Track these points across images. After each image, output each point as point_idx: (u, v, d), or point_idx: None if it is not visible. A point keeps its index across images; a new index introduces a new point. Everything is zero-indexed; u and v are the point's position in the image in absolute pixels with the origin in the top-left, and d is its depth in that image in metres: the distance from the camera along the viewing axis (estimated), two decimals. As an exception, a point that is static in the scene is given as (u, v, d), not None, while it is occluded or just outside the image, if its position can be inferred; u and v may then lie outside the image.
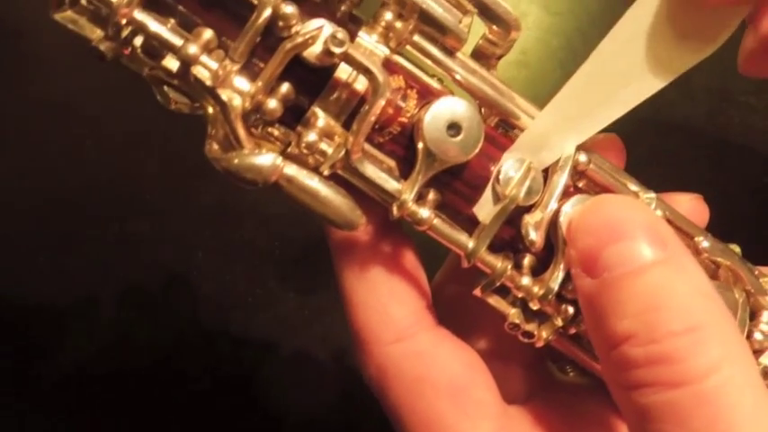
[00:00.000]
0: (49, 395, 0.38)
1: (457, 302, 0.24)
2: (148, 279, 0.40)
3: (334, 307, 0.38)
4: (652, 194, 0.23)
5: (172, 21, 0.19)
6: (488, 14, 0.21)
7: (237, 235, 0.42)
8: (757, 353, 0.22)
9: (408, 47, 0.21)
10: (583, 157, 0.22)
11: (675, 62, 0.21)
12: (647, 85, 0.21)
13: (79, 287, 0.40)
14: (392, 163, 0.20)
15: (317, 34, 0.19)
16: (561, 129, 0.21)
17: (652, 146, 0.41)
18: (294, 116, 0.20)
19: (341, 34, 0.18)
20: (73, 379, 0.38)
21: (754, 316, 0.23)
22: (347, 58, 0.18)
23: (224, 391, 0.39)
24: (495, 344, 0.25)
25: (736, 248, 0.24)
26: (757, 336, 0.22)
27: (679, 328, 0.18)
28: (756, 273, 0.24)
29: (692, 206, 0.25)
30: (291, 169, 0.19)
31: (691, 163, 0.41)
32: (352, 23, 0.21)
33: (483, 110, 0.22)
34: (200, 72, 0.18)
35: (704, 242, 0.22)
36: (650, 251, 0.18)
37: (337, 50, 0.18)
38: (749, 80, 0.42)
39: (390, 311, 0.22)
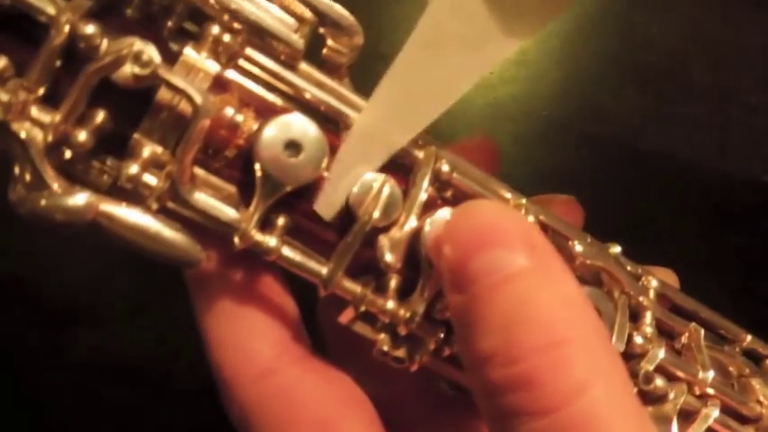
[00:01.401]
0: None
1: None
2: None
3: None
4: (523, 200, 0.22)
5: (-42, 49, 0.17)
6: (327, 22, 0.19)
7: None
8: (638, 357, 0.21)
9: (243, 62, 0.19)
10: (445, 166, 0.20)
11: (518, 27, 0.19)
12: (489, 54, 0.19)
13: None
14: (232, 189, 0.19)
15: (127, 54, 0.17)
16: (392, 120, 0.19)
17: (651, 146, 0.41)
18: (120, 146, 0.18)
19: (146, 55, 0.16)
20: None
21: (637, 318, 0.22)
22: (159, 80, 0.17)
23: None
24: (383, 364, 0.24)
25: (616, 248, 0.23)
26: (638, 339, 0.21)
27: (540, 343, 0.16)
28: (640, 271, 0.24)
29: (565, 208, 0.24)
30: (111, 207, 0.17)
31: (691, 162, 0.41)
32: (181, 39, 0.19)
33: (341, 124, 0.21)
34: (-13, 105, 0.16)
35: (578, 246, 0.21)
36: (517, 258, 0.17)
37: (143, 72, 0.16)
38: (749, 80, 0.42)
39: (251, 347, 0.20)
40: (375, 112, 0.19)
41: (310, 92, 0.19)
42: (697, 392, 0.22)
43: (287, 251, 0.19)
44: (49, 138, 0.16)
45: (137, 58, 0.16)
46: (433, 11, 0.18)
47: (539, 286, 0.17)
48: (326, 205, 0.19)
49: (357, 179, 0.19)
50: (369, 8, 0.43)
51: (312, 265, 0.19)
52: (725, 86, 0.42)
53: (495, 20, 0.18)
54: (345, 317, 0.20)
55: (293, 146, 0.18)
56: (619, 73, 0.42)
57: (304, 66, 0.20)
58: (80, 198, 0.17)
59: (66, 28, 0.16)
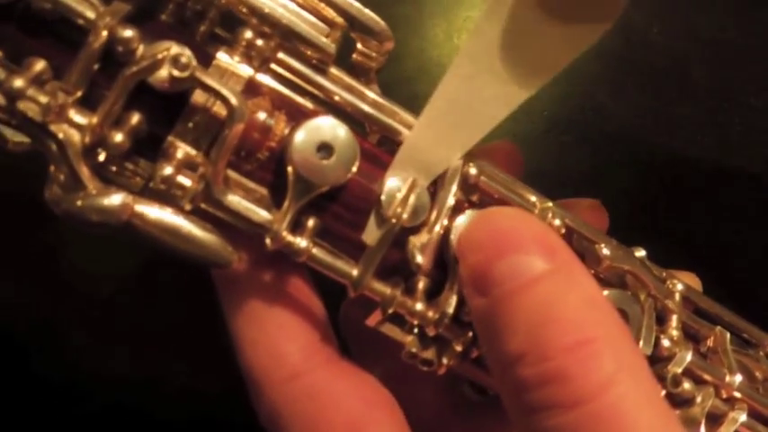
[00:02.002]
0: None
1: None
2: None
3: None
4: (549, 203, 0.22)
5: (-1, 52, 0.17)
6: (358, 26, 0.20)
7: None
8: (665, 360, 0.21)
9: (275, 65, 0.19)
10: (473, 170, 0.21)
11: (562, 48, 0.19)
12: (531, 79, 0.19)
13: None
14: (264, 191, 0.19)
15: (163, 58, 0.17)
16: (442, 138, 0.20)
17: (651, 146, 0.41)
18: (154, 147, 0.18)
19: (185, 57, 0.16)
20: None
21: (663, 321, 0.22)
22: (196, 82, 0.17)
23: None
24: (407, 366, 0.24)
25: (641, 252, 0.23)
26: (665, 342, 0.21)
27: (570, 342, 0.17)
28: (665, 275, 0.24)
29: (590, 212, 0.24)
30: (145, 207, 0.17)
31: (691, 163, 0.41)
32: (213, 44, 0.19)
33: (367, 127, 0.21)
34: (27, 107, 0.16)
35: (605, 249, 0.21)
36: (539, 263, 0.17)
37: (181, 75, 0.16)
38: (749, 80, 0.42)
39: (281, 349, 0.20)
40: (425, 129, 0.20)
41: (340, 95, 0.20)
42: (724, 396, 0.22)
43: (317, 252, 0.19)
44: (87, 139, 0.17)
45: (175, 61, 0.16)
46: (472, 40, 0.19)
47: (562, 288, 0.17)
48: (372, 234, 0.19)
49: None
50: (369, 8, 0.43)
51: (342, 266, 0.19)
52: (725, 86, 0.42)
53: (528, 57, 0.19)
54: (373, 319, 0.20)
55: (325, 148, 0.18)
56: (619, 73, 0.42)
57: (334, 70, 0.20)
58: (115, 198, 0.17)
59: (105, 32, 0.16)
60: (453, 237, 0.20)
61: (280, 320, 0.20)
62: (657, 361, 0.21)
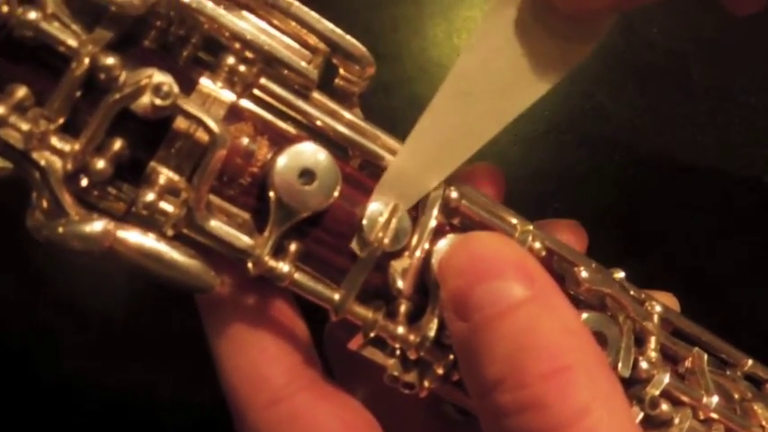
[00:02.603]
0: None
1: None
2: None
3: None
4: (529, 226, 0.22)
5: (-21, 79, 0.17)
6: (340, 52, 0.20)
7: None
8: (644, 382, 0.21)
9: (257, 91, 0.19)
10: (454, 193, 0.21)
11: (554, 63, 0.20)
12: (517, 100, 0.20)
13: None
14: (246, 216, 0.19)
15: (146, 85, 0.17)
16: (424, 163, 0.20)
17: (651, 146, 0.41)
18: (137, 172, 0.18)
19: (166, 86, 0.17)
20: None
21: (641, 342, 0.23)
22: (178, 110, 0.17)
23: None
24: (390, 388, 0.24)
25: (620, 273, 0.23)
26: (643, 365, 0.21)
27: (546, 369, 0.17)
28: (643, 296, 0.24)
29: (570, 232, 0.24)
30: (127, 233, 0.17)
31: (691, 163, 0.41)
32: (196, 68, 0.19)
33: (350, 151, 0.21)
34: (8, 134, 0.16)
35: (584, 272, 0.21)
36: (518, 289, 0.18)
37: (163, 103, 0.17)
38: (749, 80, 0.42)
39: (263, 373, 0.20)
40: (408, 155, 0.20)
41: (322, 120, 0.20)
42: (701, 417, 0.22)
43: (299, 277, 0.19)
44: (69, 166, 0.17)
45: (157, 89, 0.17)
46: (463, 61, 0.20)
47: (540, 315, 0.18)
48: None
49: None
50: (369, 8, 0.40)
51: (324, 290, 0.19)
52: (725, 86, 0.42)
53: (521, 69, 0.19)
54: (355, 343, 0.20)
55: (307, 174, 0.18)
56: (619, 73, 0.42)
57: (316, 95, 0.20)
58: (97, 225, 0.17)
59: (87, 60, 0.17)
60: (434, 261, 0.20)
61: (262, 344, 0.20)
62: (636, 383, 0.21)
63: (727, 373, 0.25)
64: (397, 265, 0.19)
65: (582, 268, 0.22)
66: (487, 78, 0.20)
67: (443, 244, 0.20)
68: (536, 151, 0.41)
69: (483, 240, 0.19)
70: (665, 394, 0.22)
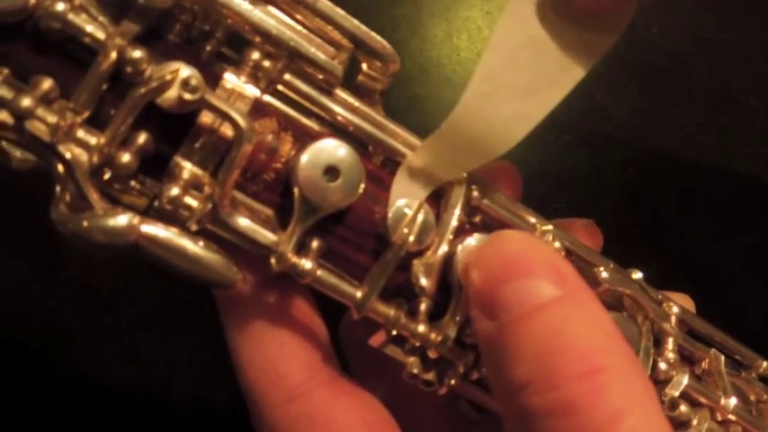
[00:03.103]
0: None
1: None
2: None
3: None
4: (549, 226, 0.22)
5: (6, 71, 0.17)
6: (365, 49, 0.20)
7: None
8: (663, 383, 0.21)
9: (282, 87, 0.19)
10: (476, 192, 0.21)
11: (579, 57, 0.19)
12: (544, 99, 0.19)
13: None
14: (269, 212, 0.19)
15: (172, 79, 0.17)
16: (438, 165, 0.20)
17: (651, 147, 0.41)
18: (160, 166, 0.18)
19: (194, 80, 0.17)
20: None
21: (660, 343, 0.23)
22: (205, 104, 0.17)
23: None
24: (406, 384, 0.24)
25: (638, 274, 0.23)
26: (662, 366, 0.21)
27: (578, 371, 0.16)
28: (661, 297, 0.24)
29: (586, 233, 0.24)
30: (151, 228, 0.17)
31: (691, 163, 0.41)
32: (220, 63, 0.19)
33: (370, 148, 0.21)
34: (35, 127, 0.16)
35: (604, 273, 0.21)
36: (548, 289, 0.17)
37: (191, 97, 0.16)
38: (749, 80, 0.42)
39: (280, 369, 0.20)
40: (428, 152, 0.20)
41: (345, 117, 0.20)
42: (719, 418, 0.22)
43: (322, 274, 0.19)
44: (95, 159, 0.17)
45: (185, 83, 0.16)
46: (486, 61, 0.19)
47: (571, 316, 0.17)
48: None
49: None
50: (368, 8, 0.41)
51: (346, 288, 0.19)
52: (725, 86, 0.42)
53: (546, 65, 0.19)
54: (376, 340, 0.20)
55: (331, 171, 0.18)
56: (619, 73, 0.42)
57: (339, 92, 0.20)
58: (122, 219, 0.17)
59: (114, 53, 0.16)
60: (457, 259, 0.20)
61: (280, 341, 0.20)
62: (655, 383, 0.21)
63: (743, 374, 0.25)
64: (420, 264, 0.19)
65: (602, 268, 0.22)
66: (512, 77, 0.19)
67: (468, 242, 0.20)
68: (536, 151, 0.41)
69: (513, 239, 0.18)
70: (684, 395, 0.22)
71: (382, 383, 0.23)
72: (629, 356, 0.17)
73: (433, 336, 0.20)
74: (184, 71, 0.17)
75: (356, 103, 0.20)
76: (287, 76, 0.19)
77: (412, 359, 0.20)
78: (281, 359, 0.20)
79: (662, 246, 0.40)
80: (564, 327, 0.17)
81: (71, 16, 0.16)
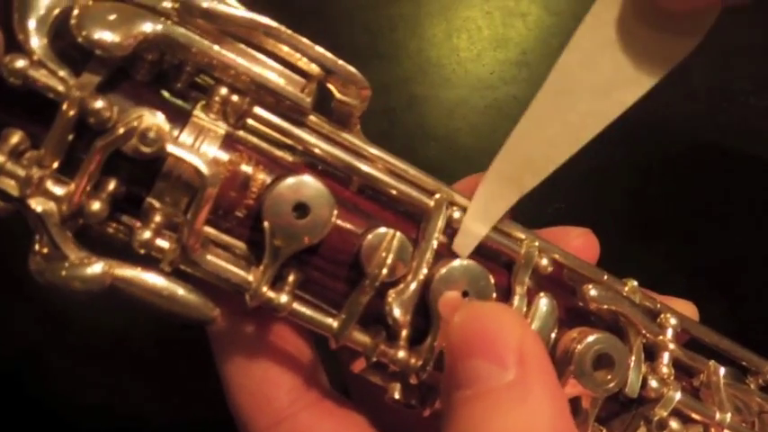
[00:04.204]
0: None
1: None
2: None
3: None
4: (536, 242, 0.21)
5: (-25, 125, 0.17)
6: (334, 76, 0.19)
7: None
8: (653, 401, 0.21)
9: (251, 120, 0.19)
10: (457, 214, 0.20)
11: (658, 59, 0.20)
12: (620, 98, 0.20)
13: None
14: (243, 246, 0.19)
15: (136, 126, 0.17)
16: (525, 162, 0.20)
17: (651, 147, 0.41)
18: (134, 206, 0.18)
19: (152, 133, 0.17)
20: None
21: (653, 357, 0.22)
22: (164, 154, 0.17)
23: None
24: None
25: (633, 283, 0.23)
26: (653, 383, 0.21)
27: None
28: (659, 306, 0.23)
29: (581, 242, 0.24)
30: (126, 271, 0.18)
31: (690, 163, 0.41)
32: (193, 95, 0.19)
33: (350, 176, 0.21)
34: (5, 183, 0.17)
35: (592, 291, 0.21)
36: (498, 373, 0.17)
37: (149, 150, 0.17)
38: (749, 80, 0.42)
39: (266, 394, 0.21)
40: (508, 157, 0.20)
41: (319, 146, 0.19)
42: (714, 434, 0.22)
43: (298, 307, 0.19)
44: (65, 209, 0.17)
45: (143, 136, 0.17)
46: (564, 61, 0.20)
47: (508, 408, 0.17)
48: (464, 246, 0.20)
49: (493, 220, 0.21)
50: (368, 8, 0.40)
51: (323, 319, 0.19)
52: (725, 86, 0.42)
53: (622, 67, 0.20)
54: (358, 366, 0.20)
55: (301, 207, 0.18)
56: None
57: (314, 118, 0.20)
58: (96, 267, 0.17)
59: (75, 104, 0.17)
60: (437, 285, 0.20)
61: (264, 368, 0.20)
62: (645, 402, 0.21)
63: (747, 380, 0.24)
64: (395, 296, 0.19)
65: (590, 286, 0.21)
66: (590, 77, 0.20)
67: (446, 269, 0.19)
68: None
69: (484, 314, 0.18)
70: (676, 412, 0.21)
71: (378, 401, 0.24)
72: None
73: (412, 361, 0.20)
74: (146, 119, 0.17)
75: (331, 130, 0.20)
76: (257, 110, 0.19)
77: (393, 384, 0.20)
78: (266, 384, 0.20)
79: (662, 246, 0.40)
80: (493, 419, 0.17)
81: (31, 72, 0.16)
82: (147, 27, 0.17)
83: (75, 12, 0.17)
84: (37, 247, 0.17)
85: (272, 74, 0.19)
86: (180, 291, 0.18)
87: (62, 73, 0.17)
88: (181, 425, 0.35)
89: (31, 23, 0.16)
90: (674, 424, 0.21)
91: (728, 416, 0.22)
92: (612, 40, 0.19)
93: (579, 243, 0.24)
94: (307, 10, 0.36)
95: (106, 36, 0.17)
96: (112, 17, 0.17)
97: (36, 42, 0.17)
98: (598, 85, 0.20)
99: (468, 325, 0.18)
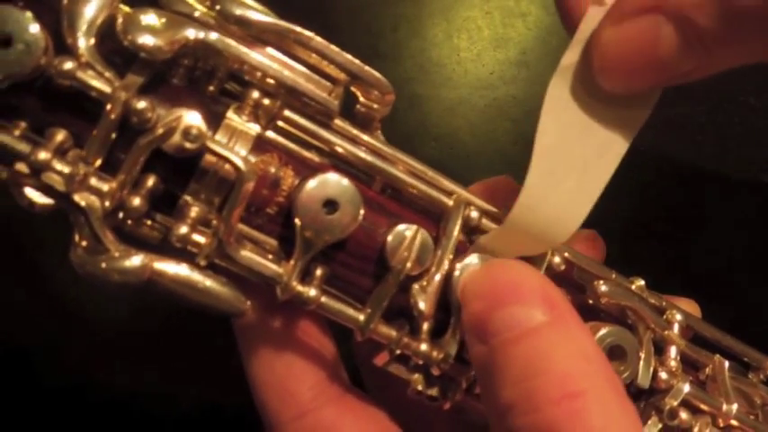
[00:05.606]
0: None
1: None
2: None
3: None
4: (549, 241, 0.22)
5: (23, 124, 0.18)
6: (359, 81, 0.20)
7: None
8: (663, 392, 0.22)
9: (282, 122, 0.20)
10: (474, 213, 0.21)
11: (617, 136, 0.21)
12: (599, 171, 0.21)
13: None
14: (274, 243, 0.20)
15: (175, 126, 0.18)
16: (523, 243, 0.21)
17: (651, 146, 0.41)
18: (170, 203, 0.19)
19: (195, 129, 0.18)
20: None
21: (661, 351, 0.23)
22: (206, 150, 0.18)
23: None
24: None
25: (640, 282, 0.24)
26: (663, 375, 0.22)
27: (557, 395, 0.17)
28: (664, 304, 0.24)
29: (588, 243, 0.25)
30: (163, 265, 0.18)
31: (690, 163, 0.41)
32: (224, 101, 0.20)
33: (377, 177, 0.22)
34: (51, 178, 0.17)
35: (603, 286, 0.22)
36: (536, 315, 0.18)
37: (192, 146, 0.17)
38: (749, 80, 0.42)
39: (289, 388, 0.21)
40: (502, 238, 0.21)
41: (344, 147, 0.20)
42: (721, 424, 0.23)
43: (326, 300, 0.20)
44: (107, 205, 0.18)
45: (186, 132, 0.17)
46: (540, 142, 0.20)
47: (555, 341, 0.18)
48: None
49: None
50: (369, 8, 0.40)
51: (349, 312, 0.20)
52: (725, 86, 0.42)
53: (594, 141, 0.21)
54: (381, 359, 0.21)
55: (330, 203, 0.19)
56: None
57: (338, 122, 0.21)
58: (136, 260, 0.18)
59: (120, 104, 0.18)
60: (456, 280, 0.20)
61: (288, 363, 0.21)
62: (656, 392, 0.22)
63: (749, 378, 0.25)
64: (419, 289, 0.20)
65: (601, 282, 0.22)
66: (567, 155, 0.20)
67: (468, 262, 0.20)
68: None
69: (506, 267, 0.19)
70: (685, 403, 0.22)
71: (395, 395, 0.24)
72: (609, 381, 0.18)
73: (434, 354, 0.20)
74: (186, 119, 0.18)
75: (355, 132, 0.21)
76: (286, 112, 0.20)
77: (416, 376, 0.21)
78: (290, 378, 0.21)
79: (661, 246, 0.40)
80: (547, 351, 0.18)
81: (79, 73, 0.17)
82: (191, 33, 0.18)
83: (120, 18, 0.18)
84: (77, 239, 0.18)
85: (301, 78, 0.20)
86: (215, 284, 0.19)
87: (108, 74, 0.18)
88: (202, 410, 0.35)
89: (80, 28, 0.17)
90: (683, 414, 0.22)
91: (735, 406, 0.22)
92: (574, 120, 0.20)
93: (586, 244, 0.25)
94: (308, 10, 0.37)
95: (150, 40, 0.18)
96: (156, 23, 0.18)
97: (83, 44, 0.17)
98: (576, 161, 0.20)
99: (493, 279, 0.19)
